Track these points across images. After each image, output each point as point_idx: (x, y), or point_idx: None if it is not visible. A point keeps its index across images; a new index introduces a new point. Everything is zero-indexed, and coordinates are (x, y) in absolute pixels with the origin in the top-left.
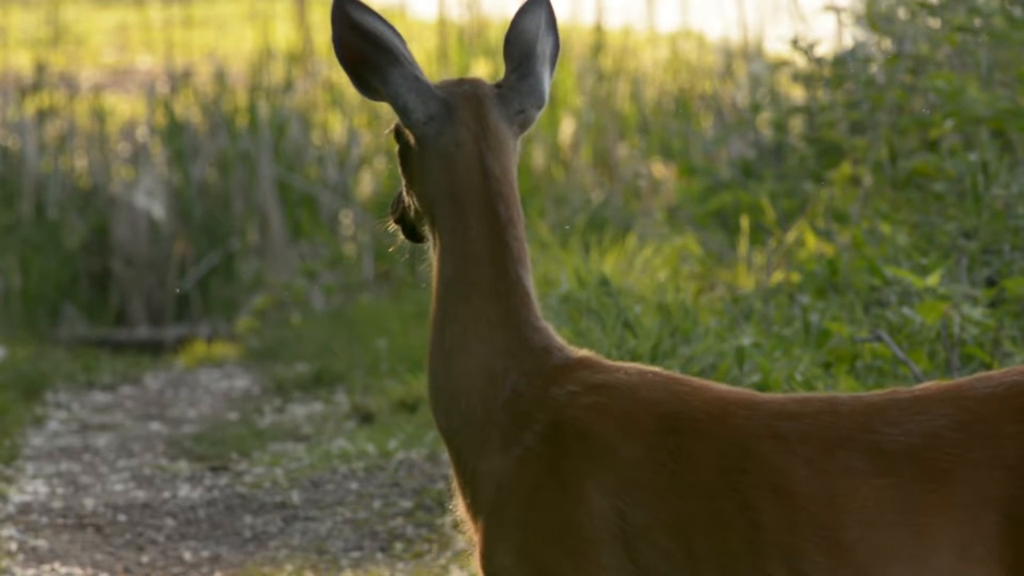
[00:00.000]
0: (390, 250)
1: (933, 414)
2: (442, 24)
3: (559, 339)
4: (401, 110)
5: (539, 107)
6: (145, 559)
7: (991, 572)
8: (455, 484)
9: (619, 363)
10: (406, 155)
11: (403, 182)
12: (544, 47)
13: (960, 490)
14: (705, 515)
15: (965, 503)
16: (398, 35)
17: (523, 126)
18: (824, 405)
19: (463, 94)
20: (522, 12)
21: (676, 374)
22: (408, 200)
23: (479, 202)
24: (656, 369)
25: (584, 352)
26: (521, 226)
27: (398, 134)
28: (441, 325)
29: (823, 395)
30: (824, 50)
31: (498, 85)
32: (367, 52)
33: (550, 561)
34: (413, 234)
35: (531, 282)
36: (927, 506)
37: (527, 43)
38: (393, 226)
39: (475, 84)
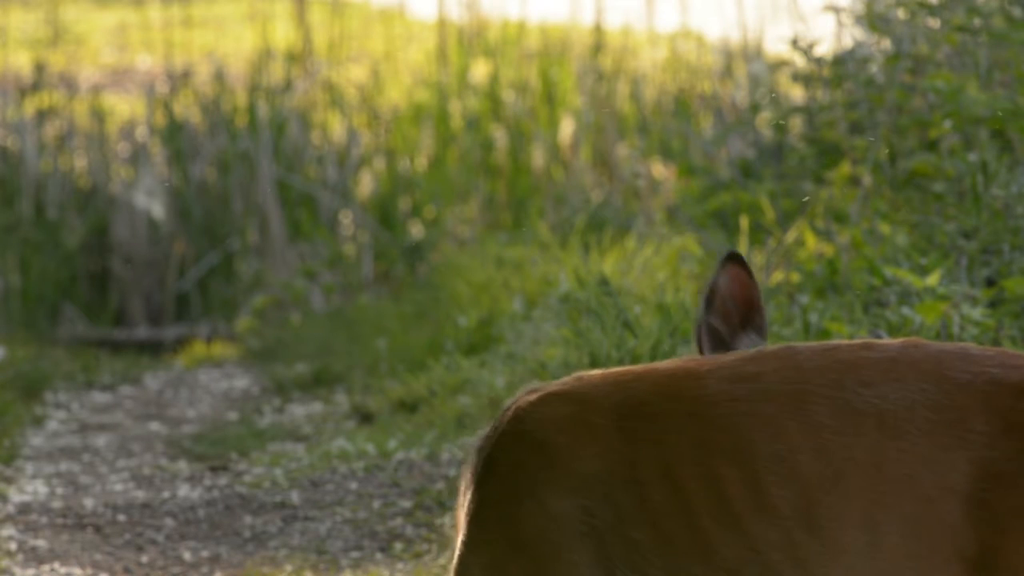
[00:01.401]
0: None
1: (911, 386)
2: (442, 24)
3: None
4: None
5: None
6: (145, 559)
7: (947, 563)
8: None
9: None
10: None
11: None
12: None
13: (924, 469)
14: (670, 498)
15: (928, 485)
16: None
17: None
18: (785, 361)
19: None
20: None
21: (618, 368)
22: None
23: None
24: (596, 372)
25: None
26: None
27: None
28: None
29: (780, 349)
30: (823, 50)
31: None
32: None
33: (519, 571)
34: None
35: None
36: (891, 478)
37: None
38: None
39: None
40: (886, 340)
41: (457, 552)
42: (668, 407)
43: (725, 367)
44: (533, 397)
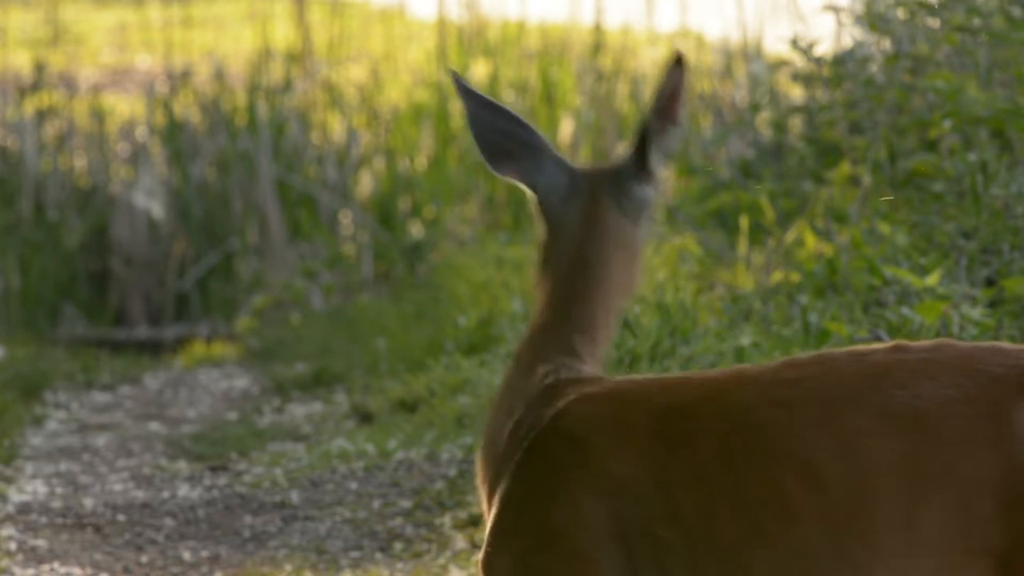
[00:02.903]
0: None
1: (944, 382)
2: (441, 24)
3: (580, 369)
4: (545, 190)
5: (654, 189)
6: (144, 559)
7: (979, 558)
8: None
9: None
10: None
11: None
12: (659, 128)
13: (961, 465)
14: (704, 501)
15: (964, 480)
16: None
17: (637, 210)
18: (823, 368)
19: (584, 175)
20: (654, 101)
21: (668, 374)
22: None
23: (563, 279)
24: (646, 375)
25: (590, 372)
26: (597, 303)
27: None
28: (500, 389)
29: (816, 356)
30: (823, 50)
31: (612, 169)
32: (508, 129)
33: (544, 568)
34: None
35: (592, 353)
36: (927, 475)
37: (644, 126)
38: None
39: (594, 167)
40: (917, 343)
41: (487, 536)
42: (707, 410)
43: (768, 372)
44: (574, 395)
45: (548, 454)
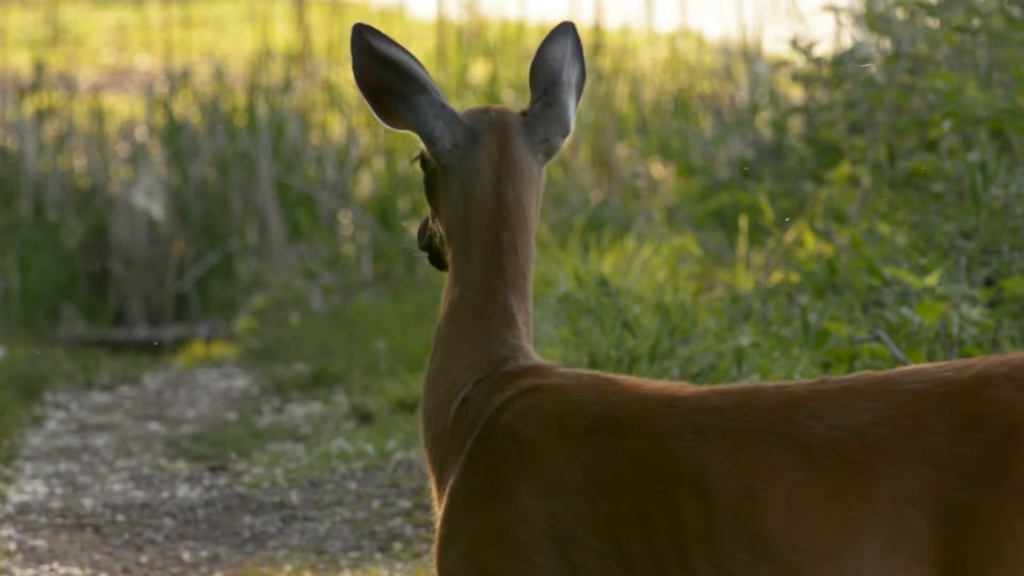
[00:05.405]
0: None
1: (858, 407)
2: (441, 24)
3: (529, 354)
4: (428, 138)
5: (564, 135)
6: (144, 559)
7: (920, 570)
8: (435, 501)
9: (564, 368)
10: (431, 183)
11: (429, 210)
12: (570, 75)
13: (884, 486)
14: (631, 516)
15: (890, 499)
16: (418, 62)
17: (548, 154)
18: (747, 398)
19: (489, 122)
20: (548, 41)
21: (611, 376)
22: (434, 228)
23: (486, 228)
24: (595, 372)
25: (542, 361)
26: (525, 255)
27: (424, 162)
28: (435, 348)
29: (748, 386)
30: (823, 50)
31: (523, 113)
32: (390, 80)
33: (491, 564)
34: (439, 261)
35: (524, 308)
36: (850, 501)
37: (552, 71)
38: (420, 253)
39: (501, 112)
40: (841, 376)
41: (438, 529)
42: (632, 428)
43: (696, 398)
44: (523, 385)
45: (493, 447)
